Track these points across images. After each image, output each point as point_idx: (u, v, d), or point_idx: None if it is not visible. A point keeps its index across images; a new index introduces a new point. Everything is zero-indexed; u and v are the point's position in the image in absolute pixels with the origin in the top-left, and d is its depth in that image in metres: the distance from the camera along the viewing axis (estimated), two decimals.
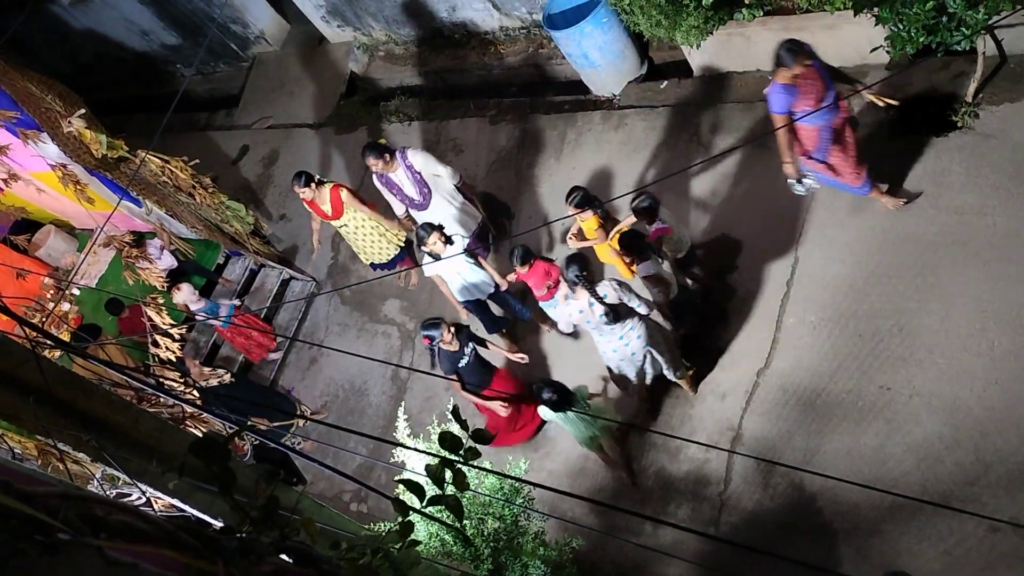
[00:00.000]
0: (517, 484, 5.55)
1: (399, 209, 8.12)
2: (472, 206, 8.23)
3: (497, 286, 7.57)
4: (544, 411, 6.32)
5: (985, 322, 6.04)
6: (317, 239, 8.67)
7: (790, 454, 6.30)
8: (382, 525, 5.49)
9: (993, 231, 6.31)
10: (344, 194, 8.11)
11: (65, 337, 6.56)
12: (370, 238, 8.38)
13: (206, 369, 7.79)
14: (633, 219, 6.74)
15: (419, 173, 7.78)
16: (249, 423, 8.14)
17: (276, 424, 7.89)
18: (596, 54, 8.50)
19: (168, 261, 9.32)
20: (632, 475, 6.84)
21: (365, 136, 10.50)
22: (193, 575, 1.63)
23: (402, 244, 8.52)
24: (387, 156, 7.71)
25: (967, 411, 5.85)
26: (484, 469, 5.31)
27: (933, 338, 6.18)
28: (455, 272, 7.42)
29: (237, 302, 9.19)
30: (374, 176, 7.98)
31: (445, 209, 7.95)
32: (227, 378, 7.67)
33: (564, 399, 6.11)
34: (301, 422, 8.57)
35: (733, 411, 6.71)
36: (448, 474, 2.26)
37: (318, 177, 8.21)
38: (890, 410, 6.11)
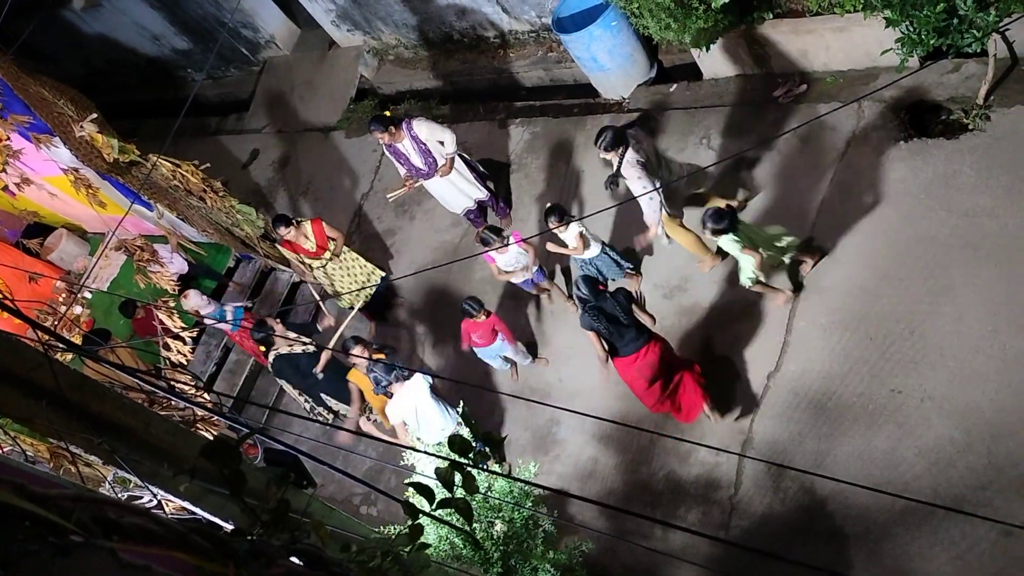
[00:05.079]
0: (527, 487, 5.55)
1: (403, 171, 8.43)
2: (476, 176, 8.46)
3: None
4: (726, 241, 6.25)
5: (997, 324, 6.01)
6: (311, 277, 8.68)
7: (801, 458, 6.27)
8: (392, 528, 5.51)
9: (1004, 233, 6.28)
10: (325, 226, 8.31)
11: (77, 340, 6.59)
12: (355, 267, 8.45)
13: (291, 333, 7.78)
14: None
15: (424, 144, 8.06)
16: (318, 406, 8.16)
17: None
18: (605, 57, 8.50)
19: (179, 265, 9.35)
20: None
21: (375, 141, 10.51)
22: None
23: (377, 280, 8.55)
24: (392, 129, 7.98)
25: (979, 414, 5.82)
26: (494, 472, 5.32)
27: (944, 341, 6.15)
28: (413, 409, 6.81)
29: (249, 304, 9.20)
30: (383, 147, 8.32)
31: (448, 178, 8.28)
32: (311, 348, 7.73)
33: (733, 217, 6.22)
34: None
35: (744, 415, 6.70)
36: (457, 477, 2.27)
37: (296, 219, 8.30)
38: (901, 413, 6.08)
